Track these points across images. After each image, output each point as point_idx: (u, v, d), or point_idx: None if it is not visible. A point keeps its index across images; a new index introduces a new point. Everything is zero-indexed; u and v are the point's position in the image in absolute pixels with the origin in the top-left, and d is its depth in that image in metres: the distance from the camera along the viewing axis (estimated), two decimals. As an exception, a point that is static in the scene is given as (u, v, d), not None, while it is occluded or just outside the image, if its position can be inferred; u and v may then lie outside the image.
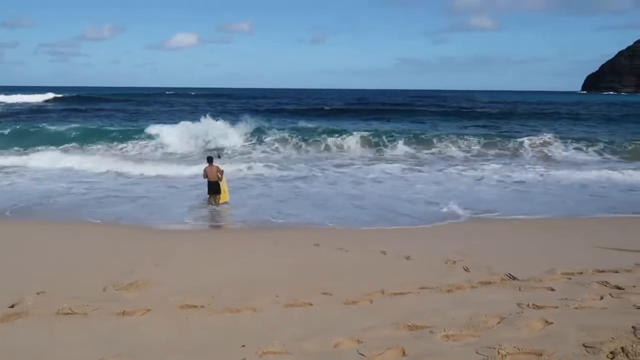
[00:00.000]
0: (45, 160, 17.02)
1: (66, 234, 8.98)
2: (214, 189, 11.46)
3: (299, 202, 11.83)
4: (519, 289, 5.85)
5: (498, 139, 23.06)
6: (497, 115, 39.10)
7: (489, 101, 68.60)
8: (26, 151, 19.89)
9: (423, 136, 23.13)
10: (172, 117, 34.24)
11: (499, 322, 4.78)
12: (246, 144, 22.06)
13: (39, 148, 20.20)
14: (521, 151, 21.17)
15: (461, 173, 15.92)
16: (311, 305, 5.49)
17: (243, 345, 4.40)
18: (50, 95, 58.63)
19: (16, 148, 20.62)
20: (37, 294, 5.79)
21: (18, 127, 24.77)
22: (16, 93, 61.54)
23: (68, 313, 5.24)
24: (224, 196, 11.50)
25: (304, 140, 22.19)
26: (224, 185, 11.55)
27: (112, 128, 24.80)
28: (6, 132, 23.15)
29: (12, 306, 5.43)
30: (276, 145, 21.77)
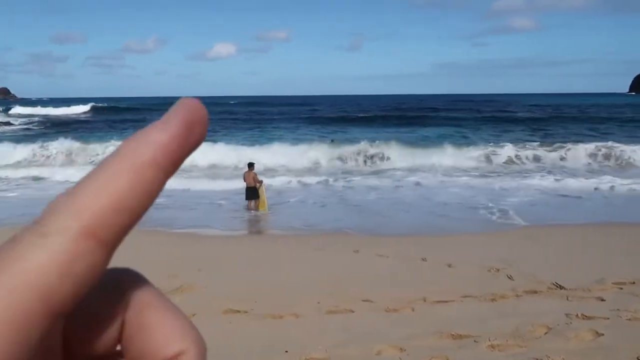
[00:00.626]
0: (76, 171, 16.99)
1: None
2: (250, 194, 11.67)
3: (339, 208, 11.87)
4: (567, 299, 5.68)
5: (543, 144, 22.36)
6: (541, 120, 37.73)
7: (533, 104, 66.60)
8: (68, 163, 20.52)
9: (466, 142, 22.70)
10: (211, 128, 34.96)
11: (546, 333, 4.66)
12: (284, 152, 22.25)
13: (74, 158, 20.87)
14: (568, 157, 20.31)
15: (505, 179, 15.56)
16: (352, 312, 5.51)
17: (286, 351, 4.46)
18: (89, 107, 60.09)
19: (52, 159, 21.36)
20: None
21: (67, 139, 25.63)
22: (65, 105, 64.60)
23: (118, 316, 5.45)
24: (262, 205, 11.65)
25: (344, 147, 22.20)
26: (262, 195, 11.71)
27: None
28: (50, 145, 23.13)
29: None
30: (315, 152, 21.87)
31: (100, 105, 64.08)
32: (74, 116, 51.94)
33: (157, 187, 0.26)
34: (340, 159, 20.92)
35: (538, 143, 22.49)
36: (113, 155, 0.26)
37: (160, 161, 0.26)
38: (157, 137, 0.26)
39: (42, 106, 63.75)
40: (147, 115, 48.56)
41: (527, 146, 21.60)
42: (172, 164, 0.27)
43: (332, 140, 25.65)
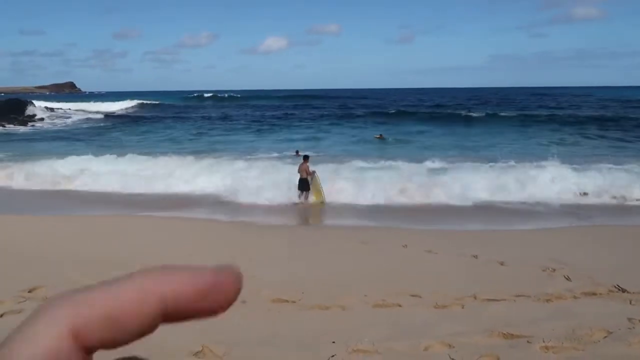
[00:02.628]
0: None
1: (168, 227, 9.70)
2: (302, 185, 11.79)
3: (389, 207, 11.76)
4: (630, 302, 5.38)
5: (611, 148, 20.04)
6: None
7: (609, 99, 58.85)
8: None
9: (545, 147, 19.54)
10: (252, 124, 34.54)
11: (605, 337, 4.44)
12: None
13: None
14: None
15: (569, 180, 14.59)
16: (400, 306, 5.46)
17: (333, 342, 4.49)
18: (135, 102, 61.84)
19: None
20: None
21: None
22: (124, 98, 67.32)
23: (172, 301, 5.66)
24: (318, 196, 11.68)
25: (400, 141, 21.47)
26: (317, 186, 11.76)
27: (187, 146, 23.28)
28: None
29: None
30: (369, 146, 21.72)
31: (146, 102, 64.97)
32: (121, 111, 53.50)
33: (153, 320, 0.28)
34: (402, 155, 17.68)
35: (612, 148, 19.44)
36: (130, 275, 0.29)
37: (168, 300, 0.27)
38: (176, 278, 0.28)
39: (95, 101, 66.15)
40: (181, 113, 48.55)
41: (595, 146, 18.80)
42: (176, 310, 0.28)
43: (381, 136, 25.34)
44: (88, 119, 43.22)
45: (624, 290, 5.78)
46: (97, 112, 50.40)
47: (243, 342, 4.58)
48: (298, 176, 11.98)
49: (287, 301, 5.63)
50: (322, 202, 11.65)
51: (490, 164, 14.80)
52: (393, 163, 15.24)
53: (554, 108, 45.48)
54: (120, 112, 52.61)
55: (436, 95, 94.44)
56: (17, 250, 7.94)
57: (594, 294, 5.74)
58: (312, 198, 11.74)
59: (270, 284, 6.19)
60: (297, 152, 13.16)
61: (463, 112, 38.78)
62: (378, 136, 25.42)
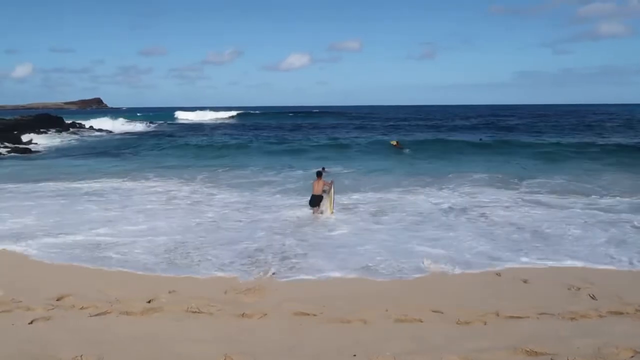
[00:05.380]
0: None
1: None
2: (315, 201, 11.80)
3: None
4: (658, 323, 5.26)
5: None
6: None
7: None
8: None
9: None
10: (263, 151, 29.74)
11: (632, 356, 4.37)
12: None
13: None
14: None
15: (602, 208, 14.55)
16: (421, 322, 5.45)
17: (354, 355, 4.51)
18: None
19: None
20: (169, 292, 6.44)
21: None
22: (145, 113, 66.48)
23: (195, 311, 5.76)
24: (330, 207, 11.69)
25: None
26: (331, 196, 11.78)
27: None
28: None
29: (149, 302, 6.11)
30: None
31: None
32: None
33: None
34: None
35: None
36: None
37: None
38: None
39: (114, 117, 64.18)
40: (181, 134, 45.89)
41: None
42: None
43: (398, 143, 25.29)
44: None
45: (651, 310, 5.66)
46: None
47: (265, 353, 4.63)
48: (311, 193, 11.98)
49: (308, 314, 5.67)
50: (332, 213, 11.62)
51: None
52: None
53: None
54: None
55: (461, 111, 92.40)
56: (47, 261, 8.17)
57: (621, 313, 5.64)
58: (327, 211, 11.72)
59: (292, 298, 6.24)
60: (323, 168, 13.09)
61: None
62: (394, 143, 25.10)
